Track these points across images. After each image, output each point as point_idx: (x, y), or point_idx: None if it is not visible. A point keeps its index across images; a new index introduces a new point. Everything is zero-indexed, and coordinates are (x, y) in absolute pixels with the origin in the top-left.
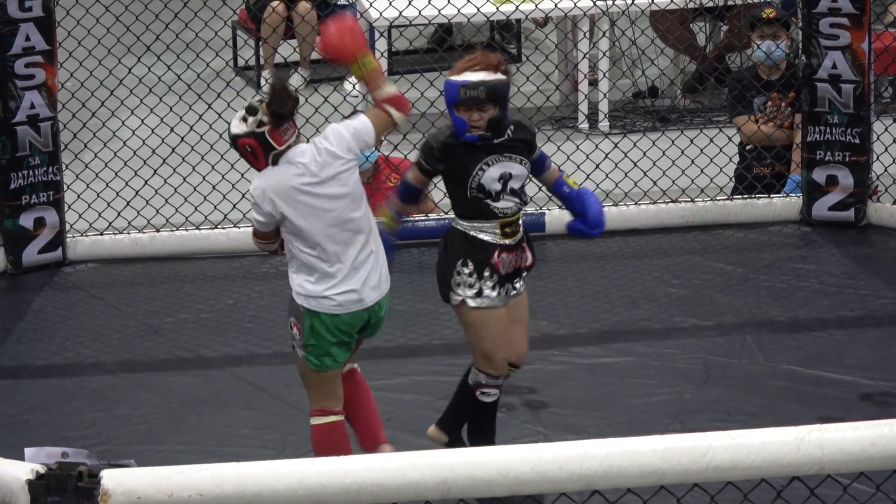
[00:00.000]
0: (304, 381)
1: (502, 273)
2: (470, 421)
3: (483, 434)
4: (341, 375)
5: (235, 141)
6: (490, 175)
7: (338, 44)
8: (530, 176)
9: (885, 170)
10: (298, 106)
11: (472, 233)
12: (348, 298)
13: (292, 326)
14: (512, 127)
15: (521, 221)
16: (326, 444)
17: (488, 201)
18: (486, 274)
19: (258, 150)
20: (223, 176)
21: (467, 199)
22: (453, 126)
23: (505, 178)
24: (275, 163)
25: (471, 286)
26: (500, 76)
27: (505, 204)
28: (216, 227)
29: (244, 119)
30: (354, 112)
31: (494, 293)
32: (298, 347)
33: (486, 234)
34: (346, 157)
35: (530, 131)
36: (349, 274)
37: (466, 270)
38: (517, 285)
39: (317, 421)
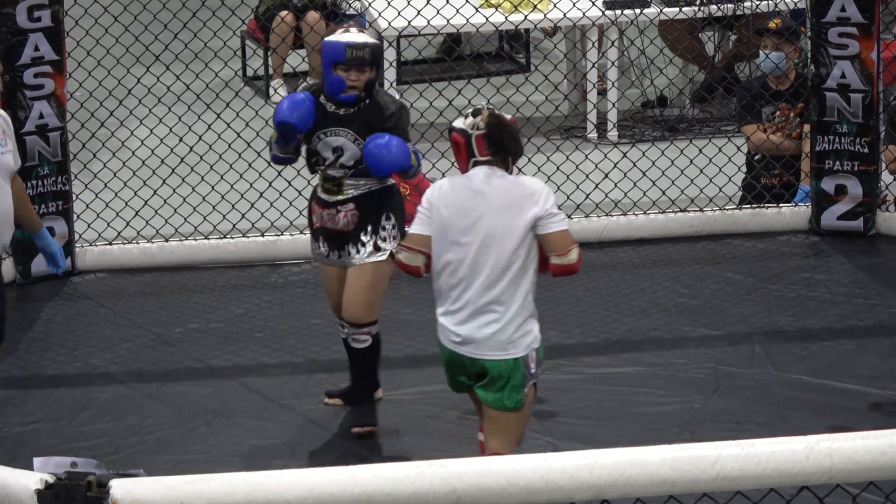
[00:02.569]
0: None
1: (316, 224)
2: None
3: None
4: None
5: (449, 132)
6: (326, 143)
7: None
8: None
9: (895, 179)
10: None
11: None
12: (448, 330)
13: None
14: (367, 101)
15: (350, 189)
16: None
17: (319, 160)
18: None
19: (462, 149)
20: (232, 186)
21: (308, 149)
22: (329, 85)
23: (338, 153)
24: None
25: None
26: (377, 41)
27: (333, 171)
28: (225, 237)
29: (465, 116)
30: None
31: (313, 238)
32: None
33: (318, 181)
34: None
35: (383, 112)
36: (457, 308)
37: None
38: (340, 253)
39: (479, 436)
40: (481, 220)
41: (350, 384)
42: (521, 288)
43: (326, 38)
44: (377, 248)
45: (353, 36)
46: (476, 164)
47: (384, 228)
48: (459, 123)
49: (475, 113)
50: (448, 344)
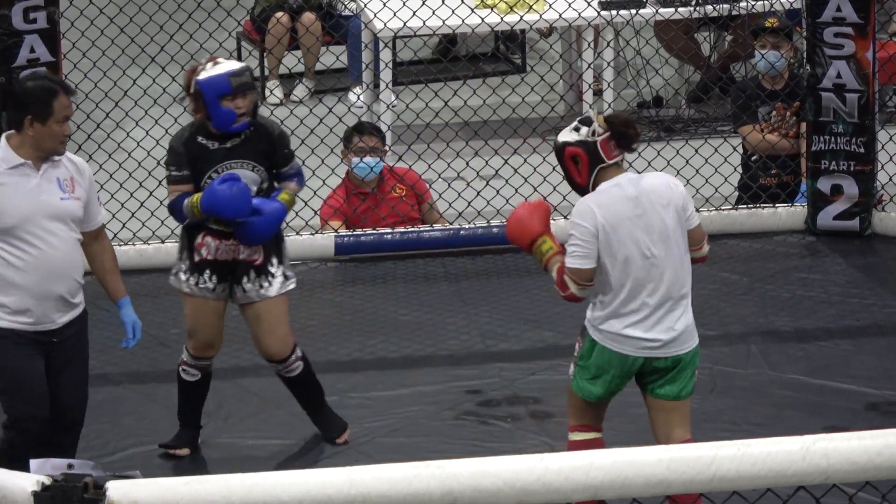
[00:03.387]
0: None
1: (206, 257)
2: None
3: (184, 412)
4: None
5: (562, 149)
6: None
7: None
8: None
9: (890, 179)
10: (633, 138)
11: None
12: (637, 339)
13: (577, 342)
14: (251, 129)
15: None
16: None
17: None
18: (184, 256)
19: (583, 160)
20: None
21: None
22: (220, 120)
23: None
24: (597, 181)
25: (177, 263)
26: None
27: None
28: None
29: (576, 129)
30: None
31: (184, 277)
32: (572, 363)
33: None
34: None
35: (271, 134)
36: (645, 315)
37: (178, 248)
38: (245, 287)
39: (574, 437)
40: (653, 223)
41: (304, 408)
42: (690, 277)
43: (201, 77)
44: (286, 277)
45: (228, 64)
46: (602, 170)
47: (286, 255)
48: (571, 137)
49: (584, 122)
50: (636, 352)
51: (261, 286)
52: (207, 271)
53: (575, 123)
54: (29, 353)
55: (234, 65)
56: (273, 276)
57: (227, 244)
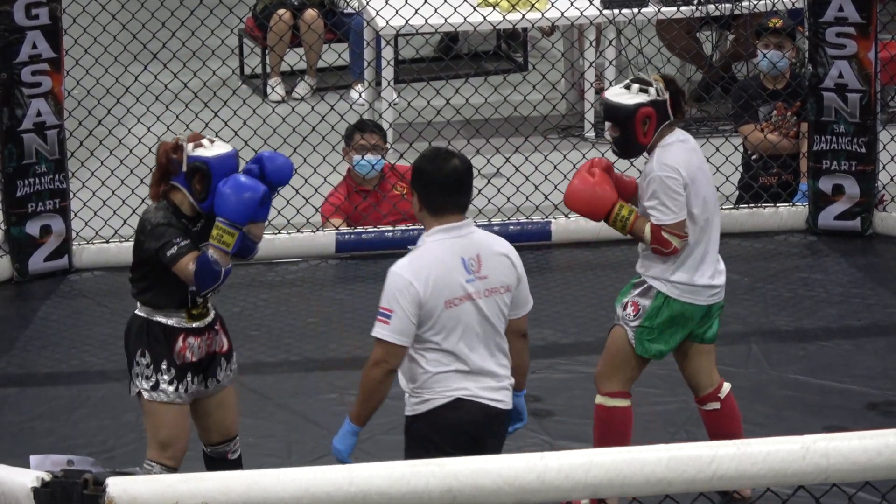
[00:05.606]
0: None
1: (190, 360)
2: None
3: None
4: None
5: (636, 111)
6: None
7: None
8: None
9: (892, 179)
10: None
11: (155, 318)
12: (708, 288)
13: (629, 305)
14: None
15: (210, 304)
16: (615, 427)
17: (192, 288)
18: (164, 367)
19: (653, 119)
20: None
21: (171, 284)
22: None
23: None
24: (657, 139)
25: (147, 378)
26: None
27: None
28: None
29: (643, 90)
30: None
31: (171, 388)
32: (628, 327)
33: (171, 318)
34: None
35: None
36: (712, 260)
37: (144, 361)
38: (220, 377)
39: (621, 403)
40: (709, 173)
41: None
42: None
43: (209, 155)
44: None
45: (222, 144)
46: (666, 127)
47: None
48: (642, 98)
49: (646, 83)
50: (706, 300)
51: (231, 370)
52: (190, 373)
53: (636, 86)
54: None
55: (226, 145)
56: (233, 353)
57: (206, 338)
